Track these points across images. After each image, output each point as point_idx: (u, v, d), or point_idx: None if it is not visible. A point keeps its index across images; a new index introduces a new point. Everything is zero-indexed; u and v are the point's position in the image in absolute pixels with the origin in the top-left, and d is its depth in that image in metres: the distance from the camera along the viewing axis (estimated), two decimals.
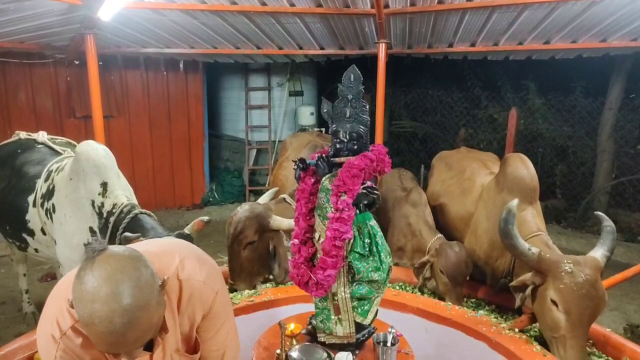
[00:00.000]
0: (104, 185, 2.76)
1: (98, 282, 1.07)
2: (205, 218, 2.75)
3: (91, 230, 2.75)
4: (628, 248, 6.02)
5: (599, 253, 2.34)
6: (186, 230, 2.62)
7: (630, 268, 3.15)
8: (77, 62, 6.18)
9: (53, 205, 2.89)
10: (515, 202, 2.43)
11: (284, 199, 3.22)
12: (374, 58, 5.12)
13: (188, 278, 1.36)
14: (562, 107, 7.38)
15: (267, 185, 7.82)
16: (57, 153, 3.28)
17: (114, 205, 2.71)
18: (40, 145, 3.40)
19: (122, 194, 2.77)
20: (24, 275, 3.91)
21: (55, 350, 1.21)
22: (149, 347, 1.27)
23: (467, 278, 3.12)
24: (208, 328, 1.47)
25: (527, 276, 2.36)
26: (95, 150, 2.83)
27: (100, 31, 4.49)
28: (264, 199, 3.23)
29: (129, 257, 1.14)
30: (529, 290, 2.34)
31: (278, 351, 1.90)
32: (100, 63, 4.63)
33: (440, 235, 3.25)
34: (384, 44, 4.93)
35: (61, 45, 5.35)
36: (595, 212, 2.63)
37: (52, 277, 4.69)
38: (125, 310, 1.07)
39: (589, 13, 4.19)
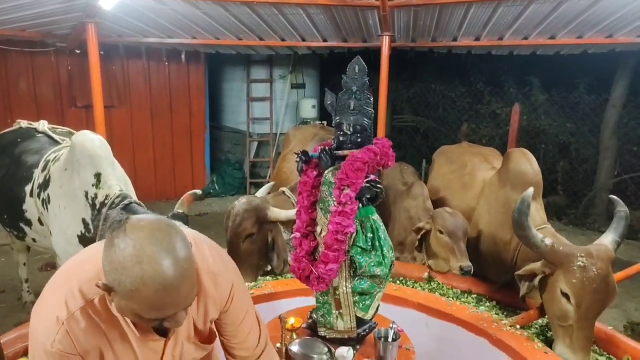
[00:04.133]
0: (98, 176, 2.71)
1: (140, 244, 1.04)
2: (197, 191, 2.74)
3: (84, 222, 2.73)
4: (629, 246, 6.01)
5: (609, 239, 2.32)
6: (177, 209, 2.59)
7: (631, 266, 3.14)
8: (78, 51, 6.14)
9: (49, 195, 2.86)
10: (530, 191, 2.36)
11: (284, 192, 3.21)
12: (378, 51, 5.09)
13: (204, 268, 1.32)
14: (565, 103, 7.34)
15: (268, 177, 7.81)
16: (57, 143, 3.26)
17: (107, 197, 2.67)
18: (40, 135, 3.37)
19: (116, 184, 2.73)
20: (25, 264, 3.90)
21: (55, 333, 1.15)
22: (164, 333, 1.24)
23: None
24: (231, 321, 1.43)
25: (536, 265, 2.35)
26: (91, 141, 2.78)
27: (101, 20, 4.46)
28: (261, 193, 3.21)
29: (156, 218, 1.13)
30: (537, 280, 2.33)
31: (278, 345, 1.89)
32: (102, 52, 4.61)
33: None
34: (387, 37, 4.90)
35: (63, 34, 5.32)
36: (611, 197, 2.59)
37: (52, 266, 4.68)
38: (175, 263, 1.05)
39: (596, 9, 4.15)
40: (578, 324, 2.16)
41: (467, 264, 2.79)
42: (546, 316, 2.51)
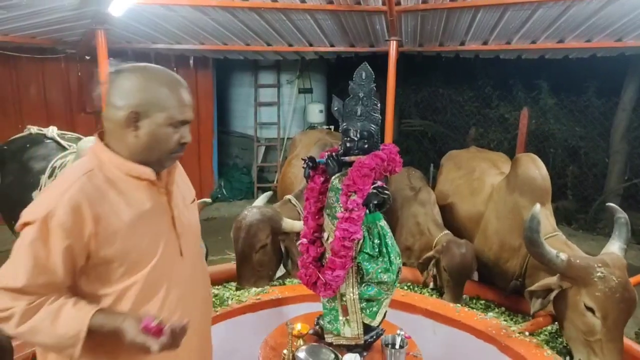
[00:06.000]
0: None
1: (137, 68, 1.32)
2: (207, 200, 2.78)
3: None
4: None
5: (616, 247, 2.29)
6: None
7: None
8: (88, 58, 6.20)
9: None
10: (538, 207, 2.33)
11: (289, 200, 3.19)
12: (385, 56, 5.08)
13: None
14: (574, 107, 7.29)
15: (275, 182, 7.82)
16: (64, 149, 3.28)
17: None
18: (48, 141, 3.40)
19: None
20: None
21: (64, 198, 1.20)
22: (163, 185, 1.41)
23: (476, 278, 3.09)
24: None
25: (551, 280, 2.29)
26: None
27: (111, 26, 4.50)
28: (259, 202, 3.19)
29: None
30: (552, 295, 2.28)
31: (285, 351, 1.89)
32: (111, 58, 4.65)
33: (447, 231, 3.22)
34: (394, 42, 4.89)
35: (72, 40, 5.38)
36: (607, 204, 2.58)
37: None
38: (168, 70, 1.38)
39: (605, 12, 4.12)
40: (607, 336, 2.11)
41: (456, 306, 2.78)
42: (556, 322, 2.49)
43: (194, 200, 1.56)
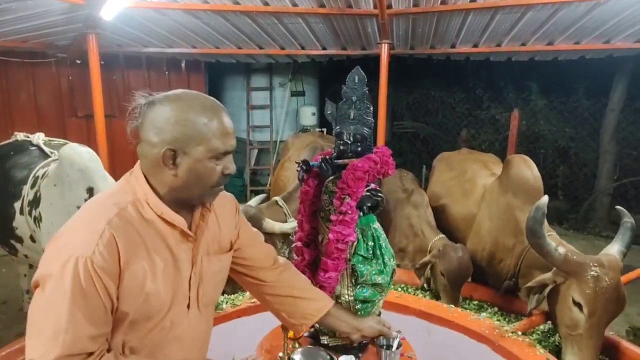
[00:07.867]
0: (90, 190, 2.60)
1: (173, 99, 1.18)
2: None
3: None
4: (631, 250, 5.98)
5: (615, 249, 2.33)
6: None
7: (633, 270, 3.14)
8: (79, 62, 6.18)
9: (40, 213, 2.76)
10: (545, 199, 2.36)
11: (277, 201, 3.21)
12: (377, 58, 5.12)
13: None
14: (564, 108, 7.37)
15: (268, 185, 7.82)
16: (47, 156, 3.12)
17: None
18: (33, 148, 3.25)
19: None
20: (25, 275, 3.88)
21: (97, 240, 1.09)
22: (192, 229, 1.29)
23: (469, 279, 3.12)
24: (246, 235, 1.56)
25: (546, 276, 2.34)
26: (79, 154, 2.67)
27: (102, 30, 4.50)
28: (253, 203, 3.20)
29: None
30: (547, 290, 2.32)
31: (280, 354, 1.89)
32: (102, 62, 4.64)
33: (442, 235, 3.25)
34: (386, 45, 4.93)
35: (63, 44, 5.36)
36: (617, 207, 2.61)
37: None
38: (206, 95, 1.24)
39: (593, 14, 4.19)
40: (587, 333, 2.16)
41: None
42: (548, 322, 2.52)
43: (231, 247, 1.45)
